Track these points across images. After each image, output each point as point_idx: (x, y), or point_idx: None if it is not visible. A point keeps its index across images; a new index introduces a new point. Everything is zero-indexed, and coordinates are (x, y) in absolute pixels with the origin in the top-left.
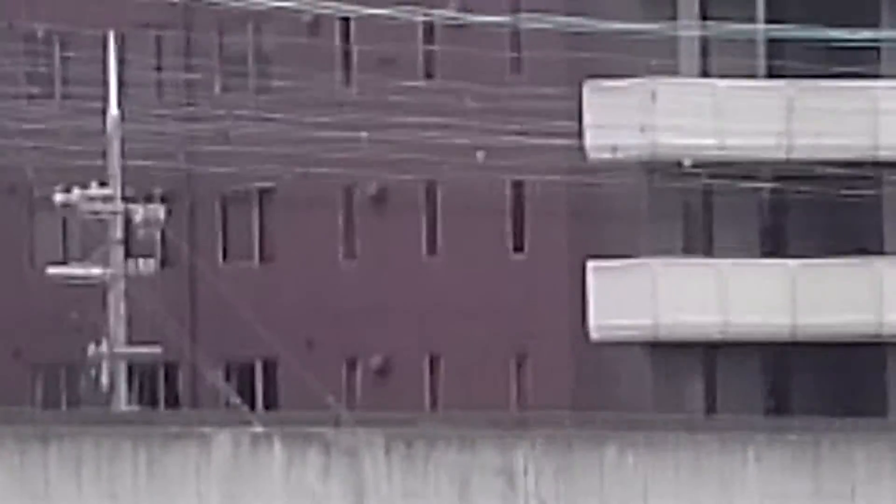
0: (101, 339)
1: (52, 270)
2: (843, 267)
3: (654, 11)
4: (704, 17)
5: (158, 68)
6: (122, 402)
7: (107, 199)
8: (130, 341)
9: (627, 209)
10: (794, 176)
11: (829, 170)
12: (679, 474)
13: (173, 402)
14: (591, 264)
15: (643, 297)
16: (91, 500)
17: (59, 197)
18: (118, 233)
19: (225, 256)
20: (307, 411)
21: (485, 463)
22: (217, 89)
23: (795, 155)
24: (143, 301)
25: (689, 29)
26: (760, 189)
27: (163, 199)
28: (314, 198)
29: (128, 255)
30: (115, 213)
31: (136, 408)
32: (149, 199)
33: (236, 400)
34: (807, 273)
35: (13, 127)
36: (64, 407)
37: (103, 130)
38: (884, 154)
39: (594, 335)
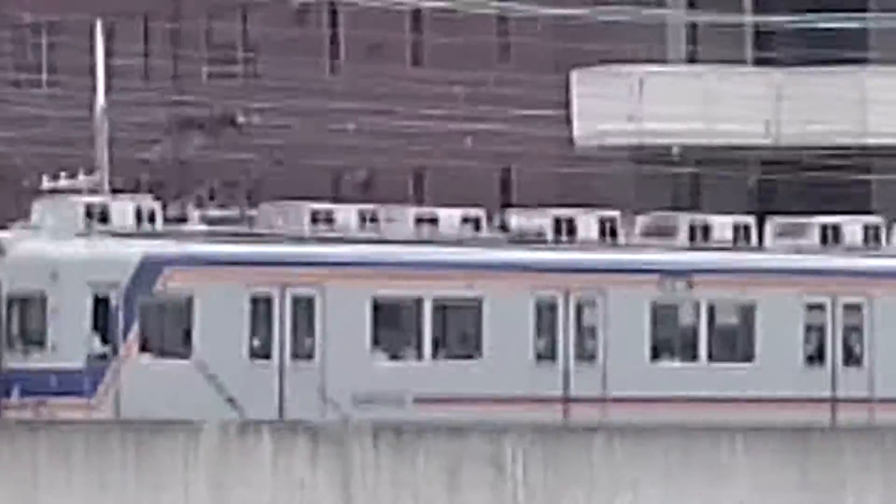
0: None
1: None
2: None
3: None
4: (692, 5)
5: (146, 56)
6: None
7: (94, 187)
8: None
9: (615, 197)
10: (782, 162)
11: (818, 157)
12: (668, 463)
13: None
14: None
15: None
16: (80, 489)
17: (46, 185)
18: None
19: None
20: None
21: (474, 451)
22: (204, 77)
23: (783, 142)
24: None
25: (676, 16)
26: (748, 176)
27: (150, 189)
28: (303, 186)
29: None
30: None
31: None
32: (136, 187)
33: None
34: None
35: (0, 115)
36: None
37: (91, 119)
38: (872, 141)
39: None
